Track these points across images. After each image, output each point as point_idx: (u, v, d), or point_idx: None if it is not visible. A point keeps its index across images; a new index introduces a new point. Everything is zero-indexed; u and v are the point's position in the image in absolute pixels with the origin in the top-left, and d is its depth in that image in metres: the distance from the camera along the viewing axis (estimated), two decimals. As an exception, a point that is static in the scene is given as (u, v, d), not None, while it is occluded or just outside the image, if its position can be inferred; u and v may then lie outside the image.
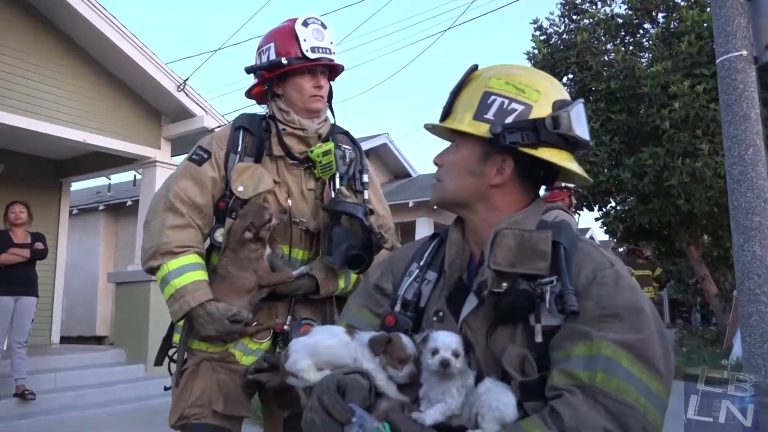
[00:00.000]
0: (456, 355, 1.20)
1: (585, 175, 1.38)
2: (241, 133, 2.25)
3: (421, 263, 1.46)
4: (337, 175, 2.28)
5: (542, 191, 1.45)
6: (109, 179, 12.33)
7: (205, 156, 2.25)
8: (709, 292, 12.26)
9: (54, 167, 10.07)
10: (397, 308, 1.42)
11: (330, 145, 2.25)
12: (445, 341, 1.20)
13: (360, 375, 1.25)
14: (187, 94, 8.66)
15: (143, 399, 6.92)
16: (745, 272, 4.41)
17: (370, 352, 1.31)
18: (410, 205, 14.88)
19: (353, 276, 2.29)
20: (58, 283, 9.96)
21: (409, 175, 18.32)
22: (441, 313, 1.35)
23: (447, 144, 1.45)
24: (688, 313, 17.75)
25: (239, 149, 2.23)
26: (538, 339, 1.22)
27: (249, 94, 2.40)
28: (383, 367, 1.30)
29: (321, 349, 1.33)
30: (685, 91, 9.99)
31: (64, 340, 10.34)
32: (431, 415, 1.18)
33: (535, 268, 1.25)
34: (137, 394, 7.14)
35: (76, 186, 12.16)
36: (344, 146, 2.35)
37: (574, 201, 5.80)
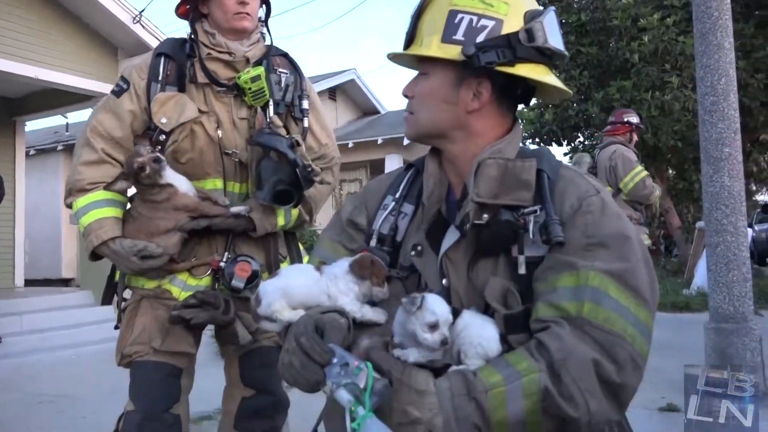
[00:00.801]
0: (449, 323, 1.14)
1: (564, 87, 1.30)
2: (163, 60, 2.11)
3: (397, 195, 1.40)
4: (271, 102, 2.15)
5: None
6: (66, 117, 11.90)
7: (124, 87, 2.11)
8: (672, 224, 12.53)
9: (6, 105, 9.63)
10: (373, 243, 1.36)
11: (259, 70, 2.08)
12: (444, 313, 1.12)
13: (338, 314, 1.20)
14: (143, 26, 8.24)
15: (112, 340, 6.74)
16: (713, 203, 4.43)
17: (348, 281, 1.25)
18: (379, 142, 14.72)
19: (294, 211, 2.21)
20: (18, 225, 9.69)
21: (377, 112, 18.10)
22: (420, 248, 1.30)
23: (415, 74, 1.36)
24: (655, 245, 18.21)
25: (160, 78, 2.09)
26: (522, 271, 1.18)
27: (177, 12, 2.22)
28: (364, 295, 1.25)
29: (292, 289, 1.26)
30: (654, 23, 9.90)
31: (29, 283, 10.14)
32: (414, 353, 1.14)
33: (518, 199, 1.21)
34: (106, 336, 7.01)
35: (33, 126, 11.71)
36: (280, 70, 2.20)
37: (635, 137, 5.69)
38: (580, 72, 11.08)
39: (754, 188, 19.10)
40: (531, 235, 1.17)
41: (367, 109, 18.16)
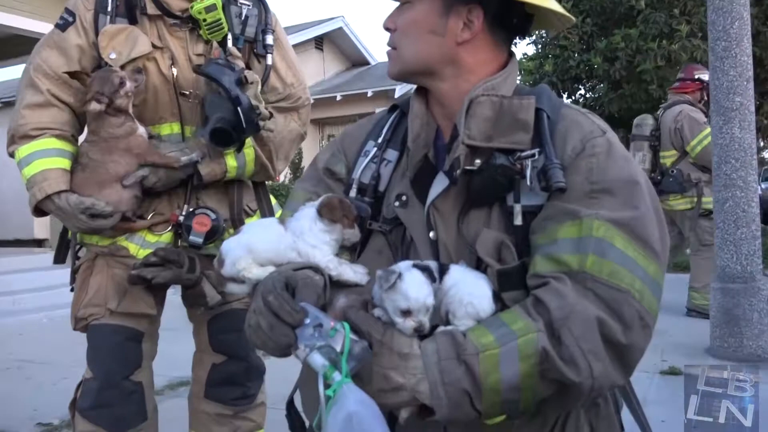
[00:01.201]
0: (428, 310, 1.06)
1: (566, 13, 1.23)
2: None
3: (379, 140, 1.34)
4: (230, 36, 2.03)
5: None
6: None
7: (70, 20, 1.98)
8: (676, 181, 12.47)
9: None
10: (353, 194, 1.30)
11: None
12: (420, 298, 1.04)
13: (312, 270, 1.13)
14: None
15: (87, 303, 6.76)
16: (723, 156, 4.36)
17: (317, 232, 1.19)
18: (369, 95, 14.54)
19: (249, 154, 2.09)
20: (-15, 182, 9.53)
21: (367, 63, 17.84)
22: (404, 197, 1.25)
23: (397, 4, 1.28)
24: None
25: (109, 9, 1.97)
26: (518, 221, 1.14)
27: None
28: (336, 241, 1.20)
29: (257, 245, 1.19)
30: (662, -35, 9.67)
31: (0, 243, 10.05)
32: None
33: (515, 141, 1.16)
34: (80, 299, 6.99)
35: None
36: (242, 1, 2.08)
37: (706, 96, 5.48)
38: (583, 19, 10.88)
39: (761, 144, 19.06)
40: (528, 182, 1.12)
41: (356, 60, 17.91)
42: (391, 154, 1.32)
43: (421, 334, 1.05)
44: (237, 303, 2.11)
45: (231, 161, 2.07)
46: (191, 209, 2.04)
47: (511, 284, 1.11)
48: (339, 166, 1.36)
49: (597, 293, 1.04)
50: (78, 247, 2.13)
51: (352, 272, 1.18)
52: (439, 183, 1.20)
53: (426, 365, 1.02)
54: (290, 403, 1.31)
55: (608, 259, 1.05)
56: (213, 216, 2.02)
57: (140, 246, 2.04)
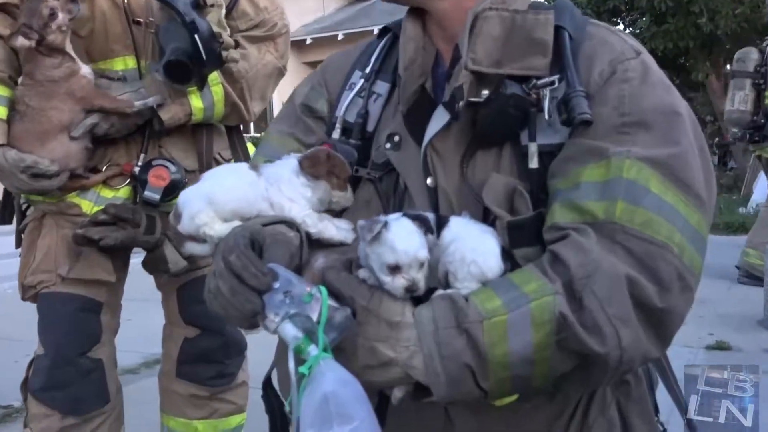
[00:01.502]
0: (422, 265, 1.01)
1: None
2: None
3: (367, 70, 1.30)
4: None
5: None
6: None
7: None
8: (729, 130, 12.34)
9: None
10: (336, 135, 1.27)
11: None
12: (410, 250, 0.99)
13: (285, 226, 1.10)
14: None
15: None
16: (783, 99, 4.24)
17: (297, 185, 1.15)
18: (375, 32, 14.33)
19: (217, 92, 2.03)
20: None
21: (372, -3, 17.58)
22: (397, 138, 1.20)
23: None
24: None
25: None
26: (533, 164, 1.09)
27: None
28: (320, 201, 1.15)
29: (220, 195, 1.14)
30: None
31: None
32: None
33: (530, 66, 1.11)
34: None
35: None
36: None
37: None
38: (623, -59, 10.64)
39: None
40: (546, 115, 1.07)
41: (359, -7, 17.66)
42: (381, 87, 1.27)
43: (414, 295, 1.01)
44: (209, 268, 2.07)
45: (196, 101, 2.01)
46: (149, 160, 2.00)
47: (525, 239, 1.06)
48: (320, 102, 1.32)
49: (627, 247, 0.99)
50: (25, 205, 2.09)
51: (335, 229, 1.13)
52: (438, 118, 1.14)
53: (420, 335, 0.98)
54: (267, 383, 1.26)
55: (641, 205, 1.00)
56: (173, 168, 1.97)
57: (94, 202, 2.00)
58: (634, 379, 1.18)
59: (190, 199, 1.15)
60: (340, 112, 1.28)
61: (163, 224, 1.99)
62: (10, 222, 2.16)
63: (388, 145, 1.20)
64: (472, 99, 1.10)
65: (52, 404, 1.96)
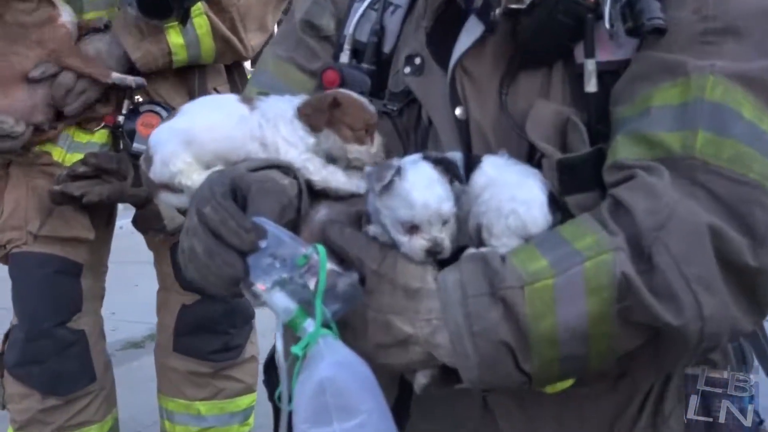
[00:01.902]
0: (446, 221, 0.96)
1: None
2: None
3: None
4: None
5: None
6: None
7: None
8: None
9: None
10: (344, 58, 1.25)
11: None
12: (430, 203, 0.95)
13: (279, 171, 1.06)
14: None
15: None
16: None
17: (297, 127, 1.10)
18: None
19: (201, 24, 1.99)
20: None
21: None
22: (418, 60, 1.16)
23: None
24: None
25: None
26: (591, 87, 1.04)
27: None
28: (326, 153, 1.11)
29: (201, 134, 1.10)
30: None
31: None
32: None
33: None
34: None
35: None
36: None
37: None
38: None
39: None
40: (607, 23, 1.02)
41: None
42: None
43: (438, 257, 0.97)
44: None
45: (176, 38, 1.99)
46: (134, 105, 1.98)
47: (579, 183, 1.02)
48: (324, 17, 1.29)
49: (711, 189, 0.93)
50: None
51: (344, 176, 1.10)
52: (470, 32, 1.09)
53: (445, 306, 0.94)
54: (269, 364, 1.25)
55: (730, 135, 0.94)
56: (164, 114, 1.95)
57: (66, 149, 2.00)
58: (722, 358, 1.12)
59: (162, 139, 1.11)
60: (349, 29, 1.25)
61: None
62: None
63: (407, 69, 1.16)
64: (512, 5, 1.05)
65: (29, 382, 1.99)
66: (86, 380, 2.04)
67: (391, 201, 0.95)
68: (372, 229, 1.00)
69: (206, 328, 2.15)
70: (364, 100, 1.12)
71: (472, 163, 1.03)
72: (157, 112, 1.97)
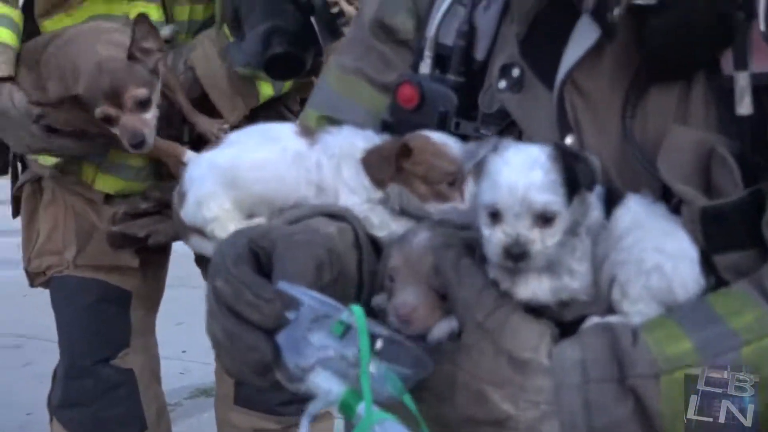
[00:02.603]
0: (548, 218, 0.78)
1: None
2: None
3: None
4: None
5: None
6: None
7: None
8: None
9: None
10: (425, 68, 1.05)
11: None
12: (517, 186, 0.78)
13: (325, 218, 0.93)
14: None
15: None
16: None
17: (364, 177, 0.97)
18: None
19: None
20: None
21: None
22: (516, 71, 0.97)
23: None
24: None
25: None
26: (744, 108, 0.84)
27: None
28: (402, 206, 0.96)
29: (245, 172, 1.00)
30: None
31: None
32: (532, 281, 0.82)
33: None
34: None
35: None
36: None
37: None
38: None
39: None
40: (763, 25, 0.83)
41: None
42: None
43: (520, 267, 0.81)
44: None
45: (266, 89, 1.80)
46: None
47: (731, 237, 0.84)
48: (400, 15, 1.08)
49: None
50: (18, 160, 1.94)
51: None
52: (582, 38, 0.90)
53: (560, 388, 0.79)
54: None
55: None
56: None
57: (99, 168, 1.82)
58: None
59: (200, 175, 1.02)
60: (431, 30, 1.05)
61: None
62: (5, 172, 2.01)
63: (503, 83, 0.97)
64: (638, 2, 0.85)
65: (72, 427, 1.87)
66: (135, 428, 1.91)
67: (481, 184, 0.82)
68: (494, 271, 0.83)
69: None
70: (447, 142, 0.96)
71: (613, 198, 0.87)
72: None
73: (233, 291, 0.81)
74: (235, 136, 1.07)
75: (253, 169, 1.00)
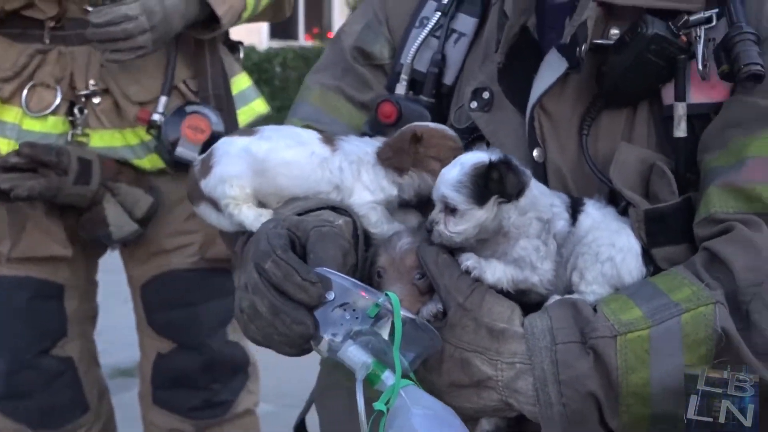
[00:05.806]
0: (452, 209, 0.98)
1: None
2: None
3: (445, 1, 1.21)
4: None
5: None
6: None
7: None
8: None
9: None
10: (401, 89, 1.21)
11: None
12: (440, 180, 1.00)
13: (331, 211, 1.06)
14: None
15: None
16: None
17: (379, 174, 1.10)
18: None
19: None
20: None
21: None
22: (487, 94, 1.13)
23: None
24: None
25: None
26: (680, 132, 1.02)
27: None
28: (409, 194, 1.12)
29: (276, 167, 1.09)
30: None
31: None
32: (498, 268, 0.98)
33: None
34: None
35: None
36: None
37: None
38: None
39: None
40: (700, 65, 1.00)
41: None
42: (465, 23, 1.18)
43: (429, 233, 0.99)
44: (179, 258, 1.94)
45: (259, 106, 1.95)
46: (181, 105, 1.85)
47: (667, 234, 1.00)
48: (378, 44, 1.24)
49: None
50: None
51: (409, 237, 1.05)
52: (551, 68, 1.05)
53: (531, 350, 0.93)
54: (300, 428, 1.24)
55: None
56: (214, 118, 1.84)
57: (15, 139, 1.83)
58: None
59: (232, 154, 1.09)
60: (407, 57, 1.19)
61: (104, 171, 1.82)
62: None
63: (474, 104, 1.13)
64: (599, 41, 1.03)
65: (18, 417, 1.87)
66: (78, 411, 1.92)
67: None
68: (465, 261, 0.98)
69: (184, 383, 1.99)
70: (443, 126, 1.11)
71: (576, 205, 1.02)
72: (205, 114, 1.84)
73: (283, 273, 0.91)
74: (270, 132, 1.13)
75: (282, 165, 1.09)
